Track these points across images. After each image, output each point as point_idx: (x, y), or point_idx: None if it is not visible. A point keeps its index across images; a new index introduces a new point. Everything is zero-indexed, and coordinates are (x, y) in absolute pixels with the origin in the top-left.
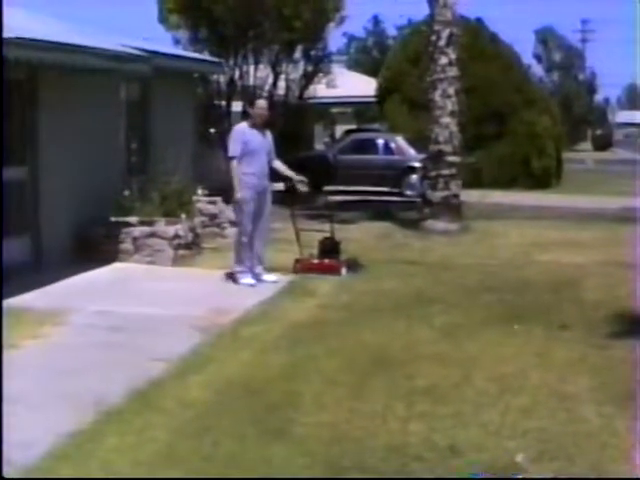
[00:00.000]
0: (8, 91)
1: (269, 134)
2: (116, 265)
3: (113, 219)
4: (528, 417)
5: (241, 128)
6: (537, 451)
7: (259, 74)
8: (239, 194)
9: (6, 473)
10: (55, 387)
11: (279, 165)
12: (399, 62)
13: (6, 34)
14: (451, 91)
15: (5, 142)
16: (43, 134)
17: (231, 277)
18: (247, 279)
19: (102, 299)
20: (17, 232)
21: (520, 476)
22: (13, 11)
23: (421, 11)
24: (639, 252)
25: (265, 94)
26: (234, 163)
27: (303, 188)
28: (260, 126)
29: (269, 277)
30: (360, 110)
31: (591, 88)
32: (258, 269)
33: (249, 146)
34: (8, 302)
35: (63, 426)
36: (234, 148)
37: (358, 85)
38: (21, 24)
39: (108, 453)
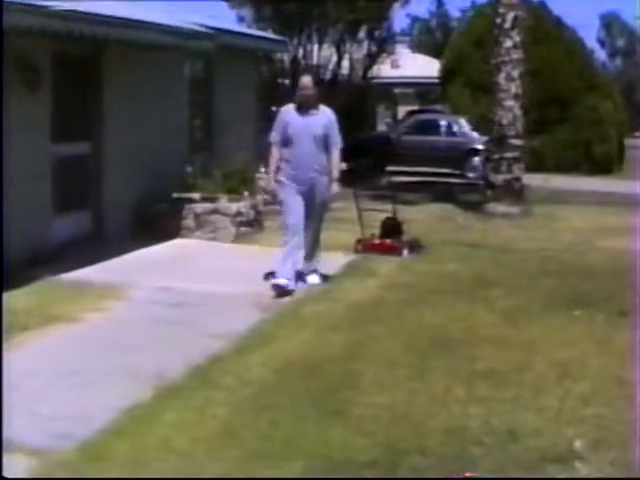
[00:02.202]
0: (73, 66)
1: (325, 117)
2: (178, 241)
3: (175, 195)
4: (587, 403)
5: (284, 110)
6: (594, 438)
7: (323, 53)
8: (268, 184)
9: (56, 448)
10: (114, 362)
11: (332, 158)
12: (463, 44)
13: (72, 7)
14: (515, 74)
15: (67, 117)
16: (107, 110)
17: (271, 275)
18: (280, 279)
19: (163, 275)
20: (79, 206)
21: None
22: None
23: None
24: None
25: (329, 73)
26: (272, 150)
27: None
28: (308, 107)
29: (312, 279)
30: (422, 91)
31: None
32: (304, 267)
33: (287, 131)
34: (70, 276)
35: (122, 401)
36: (273, 133)
37: (421, 66)
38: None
39: (166, 429)
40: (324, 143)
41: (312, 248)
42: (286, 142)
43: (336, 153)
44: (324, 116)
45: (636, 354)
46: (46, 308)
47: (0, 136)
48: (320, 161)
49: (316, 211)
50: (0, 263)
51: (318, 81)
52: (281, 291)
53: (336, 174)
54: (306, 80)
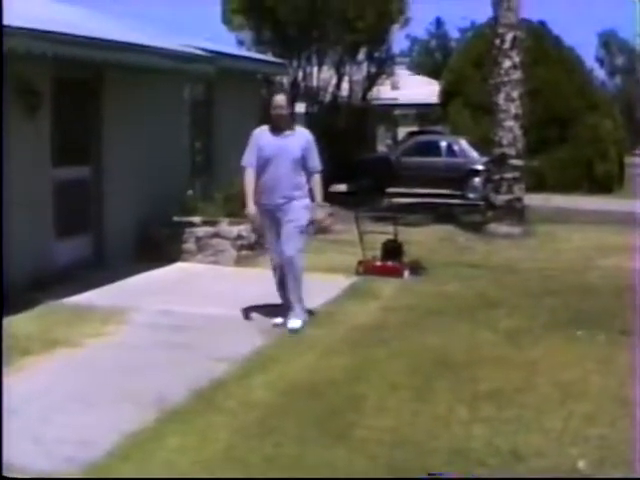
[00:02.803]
0: (73, 90)
1: (303, 138)
2: (179, 265)
3: (176, 219)
4: (590, 423)
5: (258, 132)
6: (598, 458)
7: (323, 75)
8: (249, 211)
9: (60, 472)
10: (117, 386)
11: (315, 184)
12: (462, 65)
13: (71, 32)
14: (515, 94)
15: (67, 142)
16: (107, 134)
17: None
18: (294, 321)
19: (165, 298)
20: (80, 230)
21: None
22: (75, 10)
23: (484, 13)
24: None
25: (329, 95)
26: (247, 174)
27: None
28: (283, 128)
29: (293, 323)
30: (422, 112)
31: None
32: (287, 310)
33: (261, 153)
34: (71, 300)
35: (125, 425)
36: (246, 156)
37: (421, 87)
38: (84, 23)
39: (170, 453)
40: (301, 166)
41: (291, 287)
42: (261, 166)
43: (317, 177)
44: (301, 137)
45: (637, 373)
46: (48, 332)
47: (0, 148)
48: (295, 185)
49: (290, 240)
50: (0, 288)
51: (292, 100)
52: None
53: (320, 199)
54: (279, 99)
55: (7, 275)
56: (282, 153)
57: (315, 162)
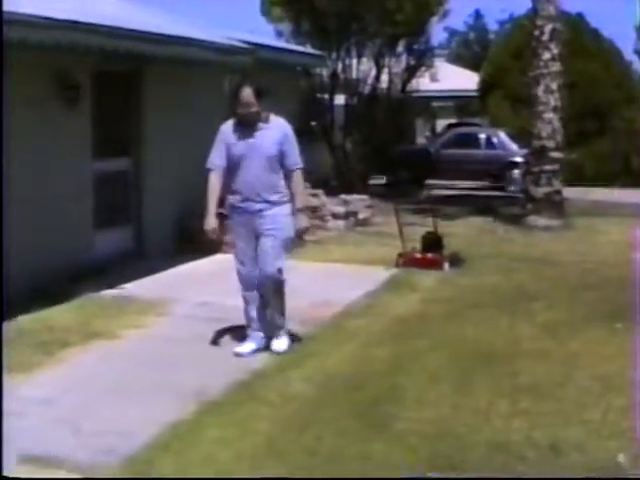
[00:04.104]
0: (113, 83)
1: (279, 131)
2: (218, 257)
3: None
4: (629, 417)
5: (225, 128)
6: (638, 452)
7: (362, 67)
8: (207, 224)
9: (100, 463)
10: (156, 377)
11: (296, 185)
12: (501, 57)
13: (112, 24)
14: (554, 86)
15: (107, 134)
16: (147, 126)
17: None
18: (243, 346)
19: (204, 290)
20: (120, 222)
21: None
22: (115, 2)
23: (522, 5)
24: None
25: (368, 87)
26: (210, 178)
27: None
28: (252, 123)
29: (279, 345)
30: (461, 104)
31: None
32: (267, 329)
33: (230, 152)
34: (111, 292)
35: (164, 416)
36: (211, 156)
37: (459, 79)
38: (124, 15)
39: (209, 445)
40: (279, 164)
41: (273, 305)
42: (231, 168)
43: (298, 176)
44: (277, 130)
45: None
46: (87, 324)
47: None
48: (272, 187)
49: (272, 254)
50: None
51: (259, 91)
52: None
53: (301, 203)
54: (246, 94)
55: (48, 267)
56: (254, 151)
57: (294, 157)
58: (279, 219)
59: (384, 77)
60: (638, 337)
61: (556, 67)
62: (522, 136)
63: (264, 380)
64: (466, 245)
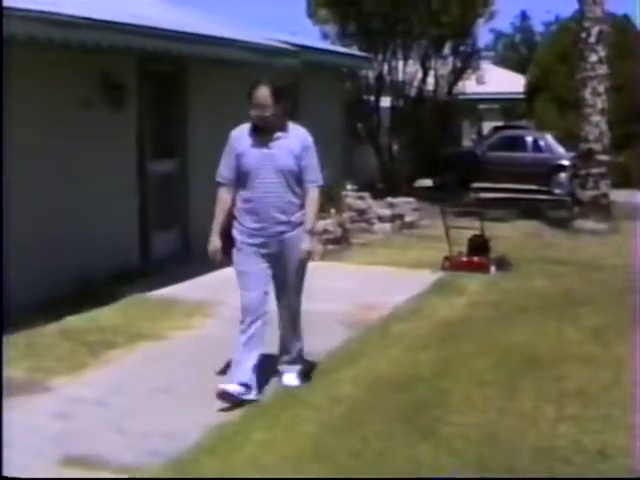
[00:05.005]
0: (158, 84)
1: (298, 142)
2: None
3: None
4: None
5: (236, 134)
6: None
7: (408, 69)
8: (210, 243)
9: (144, 464)
10: (202, 379)
11: (311, 204)
12: (547, 59)
13: (157, 25)
14: (601, 89)
15: (153, 135)
16: (192, 127)
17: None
18: (231, 385)
19: None
20: (167, 224)
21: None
22: (160, 4)
23: (568, 7)
24: None
25: (414, 90)
26: (219, 193)
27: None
28: (270, 129)
29: (289, 379)
30: (507, 107)
31: None
32: (280, 362)
33: (242, 164)
34: (158, 293)
35: (210, 419)
36: (220, 167)
37: (506, 81)
38: (170, 17)
39: (255, 447)
40: (296, 180)
41: (289, 333)
42: (241, 181)
43: (315, 194)
44: (296, 140)
45: None
46: (133, 325)
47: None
48: (292, 207)
49: (291, 280)
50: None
51: (278, 92)
52: (233, 401)
53: (310, 224)
54: (261, 94)
55: (93, 268)
56: (269, 163)
57: (314, 173)
58: (299, 242)
59: (430, 79)
60: None
61: (603, 69)
62: (569, 139)
63: (310, 382)
64: (513, 248)
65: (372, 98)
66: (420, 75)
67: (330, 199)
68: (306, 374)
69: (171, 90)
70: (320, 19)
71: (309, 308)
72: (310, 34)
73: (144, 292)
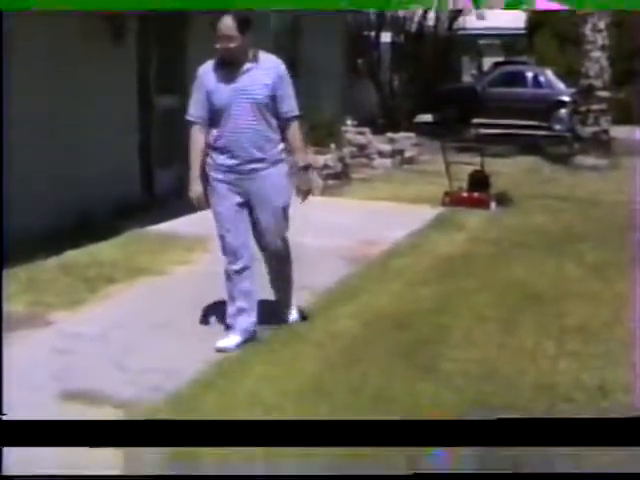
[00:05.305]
0: (161, 17)
1: (271, 72)
2: None
3: None
4: None
5: (203, 70)
6: None
7: None
8: (191, 189)
9: (145, 400)
10: (201, 314)
11: (293, 138)
12: None
13: None
14: (601, 25)
15: (155, 70)
16: (192, 63)
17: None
18: (226, 340)
19: None
20: (170, 160)
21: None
22: None
23: None
24: None
25: (415, 25)
26: (192, 133)
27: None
28: (239, 61)
29: (293, 316)
30: (508, 42)
31: None
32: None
33: (213, 100)
34: (160, 227)
35: (210, 354)
36: (190, 106)
37: (506, 17)
38: None
39: (255, 382)
40: (272, 112)
41: (282, 281)
42: (213, 119)
43: (295, 126)
44: (268, 70)
45: None
46: (133, 260)
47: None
48: (265, 141)
49: (274, 221)
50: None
51: (244, 22)
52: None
53: (302, 159)
54: (224, 25)
55: (94, 201)
56: (240, 97)
57: (290, 104)
58: (277, 181)
59: (431, 15)
60: None
61: None
62: (569, 75)
63: (310, 318)
64: (513, 184)
65: (372, 33)
66: (421, 10)
67: (330, 134)
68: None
69: (172, 24)
70: None
71: (309, 243)
72: None
73: (145, 227)
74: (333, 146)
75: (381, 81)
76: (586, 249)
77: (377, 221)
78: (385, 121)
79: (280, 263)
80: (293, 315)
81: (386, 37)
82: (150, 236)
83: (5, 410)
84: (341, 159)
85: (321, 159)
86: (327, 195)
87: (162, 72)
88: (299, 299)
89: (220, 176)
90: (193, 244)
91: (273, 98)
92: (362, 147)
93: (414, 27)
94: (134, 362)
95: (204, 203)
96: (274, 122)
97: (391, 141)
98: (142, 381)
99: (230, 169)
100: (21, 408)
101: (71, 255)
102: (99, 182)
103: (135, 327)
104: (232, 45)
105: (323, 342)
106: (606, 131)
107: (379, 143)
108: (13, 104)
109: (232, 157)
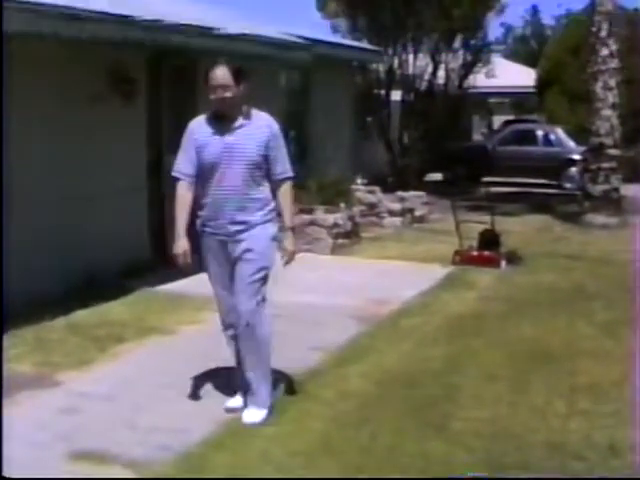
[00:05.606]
0: (168, 77)
1: (264, 130)
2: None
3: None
4: None
5: (194, 124)
6: None
7: (419, 63)
8: (177, 245)
9: (154, 459)
10: (212, 374)
11: (284, 199)
12: (558, 53)
13: (169, 20)
14: (612, 83)
15: (164, 130)
16: None
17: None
18: (234, 400)
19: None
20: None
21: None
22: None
23: (579, 1)
24: None
25: (425, 83)
26: (178, 189)
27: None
28: (232, 116)
29: (252, 415)
30: (518, 101)
31: None
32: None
33: (202, 156)
34: (168, 287)
35: (219, 414)
36: (178, 162)
37: (516, 75)
38: (180, 10)
39: (265, 442)
40: (262, 172)
41: (249, 355)
42: (202, 175)
43: (287, 188)
44: (261, 128)
45: None
46: (142, 319)
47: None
48: (253, 202)
49: (247, 288)
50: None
51: (238, 72)
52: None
53: (289, 220)
54: (220, 74)
55: (102, 263)
56: (232, 154)
57: (283, 165)
58: (259, 242)
59: (441, 73)
60: None
61: (614, 63)
62: (579, 133)
63: (320, 377)
64: (523, 243)
65: (382, 92)
66: (430, 69)
67: (339, 193)
68: (270, 409)
69: (182, 84)
70: (330, 13)
71: (319, 302)
72: (320, 28)
73: (154, 286)
74: (343, 205)
75: (391, 139)
76: (597, 307)
77: (387, 280)
78: (395, 180)
79: (253, 334)
80: (264, 399)
81: (396, 95)
82: (159, 296)
83: (13, 469)
84: (351, 218)
85: (331, 218)
86: (337, 254)
87: (171, 131)
88: (309, 359)
89: (207, 239)
90: (202, 304)
91: (265, 157)
92: (372, 206)
93: (424, 85)
94: (143, 421)
95: (189, 261)
96: (264, 182)
97: (401, 200)
98: (151, 440)
99: (213, 232)
100: (30, 467)
101: (80, 315)
102: (108, 241)
103: (144, 386)
104: (228, 94)
105: (333, 401)
106: (617, 189)
107: (389, 202)
108: (24, 165)
109: (216, 218)
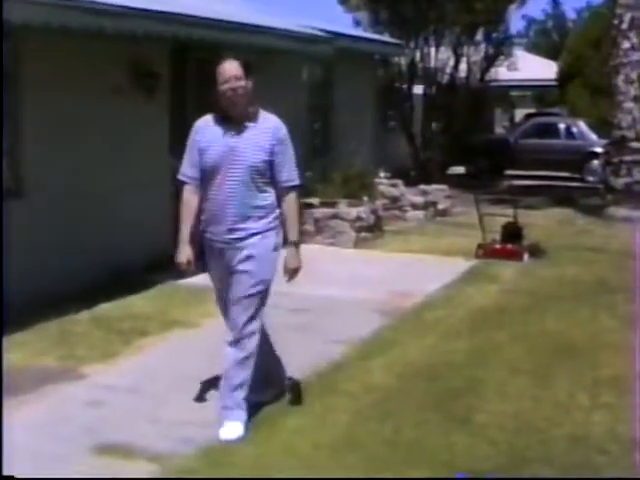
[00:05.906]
0: (193, 72)
1: (271, 133)
2: (303, 246)
3: None
4: None
5: (200, 124)
6: None
7: (440, 56)
8: (180, 252)
9: (178, 453)
10: None
11: (290, 209)
12: (580, 46)
13: (191, 13)
14: (634, 76)
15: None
16: None
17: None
18: (228, 426)
19: (283, 280)
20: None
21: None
22: None
23: None
24: None
25: (447, 77)
26: (184, 194)
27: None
28: (239, 117)
29: (229, 430)
30: (539, 94)
31: None
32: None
33: (205, 159)
34: (191, 281)
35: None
36: (183, 165)
37: (538, 68)
38: (203, 4)
39: (288, 434)
40: (267, 178)
41: (235, 369)
42: (204, 177)
43: (293, 196)
44: (267, 132)
45: None
46: (166, 313)
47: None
48: (257, 212)
49: (241, 302)
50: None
51: (246, 65)
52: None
53: (295, 233)
54: (230, 68)
55: (125, 256)
56: (234, 157)
57: (290, 171)
58: (259, 251)
59: (463, 66)
60: None
61: (636, 56)
62: (601, 126)
63: (344, 370)
64: (546, 236)
65: (404, 85)
66: (452, 62)
67: (362, 187)
68: (296, 396)
69: (206, 79)
70: (352, 6)
71: (343, 295)
72: (342, 21)
73: (177, 280)
74: (366, 198)
75: (413, 133)
76: (619, 300)
77: (410, 273)
78: (417, 173)
79: (239, 350)
80: (238, 421)
81: (418, 89)
82: (182, 289)
83: (37, 464)
84: (374, 211)
85: (354, 211)
86: (360, 247)
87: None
88: (333, 352)
89: (212, 249)
90: None
91: (270, 163)
92: (395, 199)
93: (446, 78)
94: (167, 414)
95: (192, 268)
96: (269, 189)
97: (424, 193)
98: (175, 433)
99: (213, 235)
100: (55, 461)
101: (104, 308)
102: (132, 235)
103: (168, 379)
104: (241, 84)
105: (357, 394)
106: (639, 182)
107: (412, 195)
108: (47, 159)
109: (215, 223)
